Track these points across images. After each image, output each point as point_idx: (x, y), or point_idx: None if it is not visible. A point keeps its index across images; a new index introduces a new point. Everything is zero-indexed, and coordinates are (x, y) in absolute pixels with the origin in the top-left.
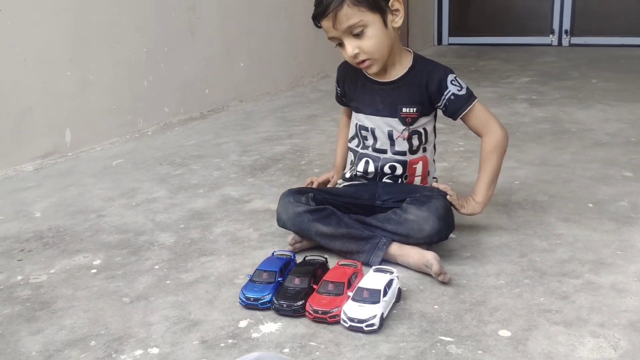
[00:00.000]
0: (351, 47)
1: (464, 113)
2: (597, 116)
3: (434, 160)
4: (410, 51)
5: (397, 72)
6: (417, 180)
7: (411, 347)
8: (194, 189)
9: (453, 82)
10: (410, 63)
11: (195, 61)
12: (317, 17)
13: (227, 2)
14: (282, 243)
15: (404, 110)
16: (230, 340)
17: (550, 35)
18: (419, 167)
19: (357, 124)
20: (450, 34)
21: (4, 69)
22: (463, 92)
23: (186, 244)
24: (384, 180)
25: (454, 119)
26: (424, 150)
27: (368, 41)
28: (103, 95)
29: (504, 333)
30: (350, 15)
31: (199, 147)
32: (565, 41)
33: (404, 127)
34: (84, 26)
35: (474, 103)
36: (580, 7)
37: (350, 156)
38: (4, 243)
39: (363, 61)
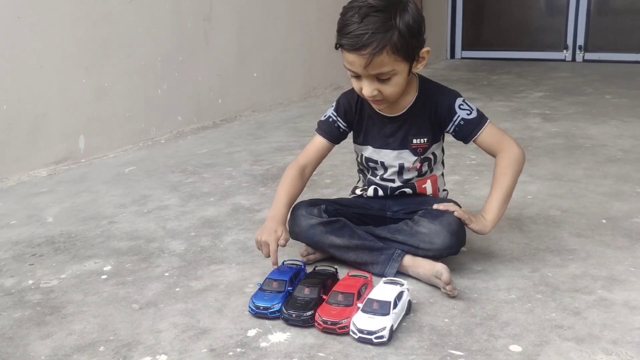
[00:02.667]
0: (371, 88)
1: (475, 137)
2: (610, 132)
3: (442, 175)
4: (415, 74)
5: (405, 102)
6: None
7: None
8: (205, 197)
9: (462, 106)
10: (417, 91)
11: (209, 71)
12: (346, 48)
13: (242, 13)
14: (292, 253)
15: (415, 141)
16: (238, 349)
17: (564, 51)
18: (428, 186)
19: (363, 156)
20: (464, 48)
21: (21, 75)
22: (473, 115)
23: (196, 251)
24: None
25: (466, 142)
26: (432, 170)
27: (391, 87)
28: (117, 102)
29: (515, 348)
30: (386, 62)
31: (211, 155)
32: (579, 57)
33: (415, 158)
34: (100, 34)
35: (485, 126)
36: (594, 23)
37: (361, 177)
38: (16, 247)
39: (377, 100)
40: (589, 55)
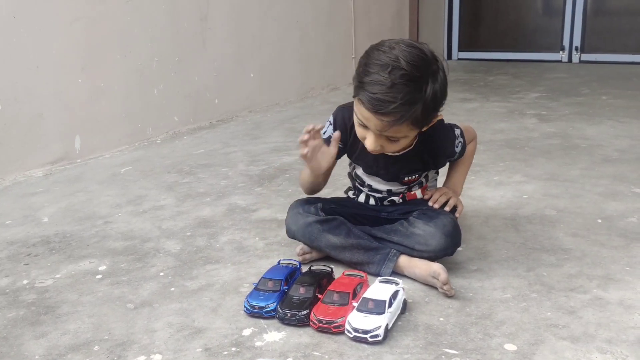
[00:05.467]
0: (376, 143)
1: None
2: (606, 132)
3: (435, 180)
4: None
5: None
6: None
7: (415, 359)
8: (201, 197)
9: (457, 146)
10: (416, 136)
11: (206, 71)
12: (368, 108)
13: (239, 13)
14: (288, 252)
15: (406, 178)
16: (233, 349)
17: (561, 52)
18: (417, 193)
19: (355, 172)
20: (460, 49)
21: (17, 75)
22: (462, 146)
23: (192, 251)
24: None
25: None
26: (421, 186)
27: (396, 147)
28: (113, 103)
29: (510, 347)
30: (402, 131)
31: (207, 156)
32: (575, 58)
33: (404, 187)
34: (96, 35)
35: (467, 144)
36: (591, 24)
37: (351, 182)
38: (11, 247)
39: (377, 151)
40: (586, 56)
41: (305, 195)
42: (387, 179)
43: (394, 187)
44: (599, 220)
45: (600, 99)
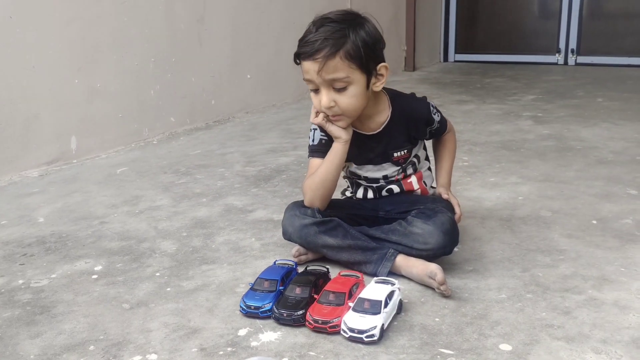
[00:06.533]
0: (328, 98)
1: (444, 134)
2: (601, 134)
3: (429, 169)
4: (384, 92)
5: (380, 120)
6: (417, 193)
7: (411, 359)
8: (198, 198)
9: (434, 113)
10: (389, 108)
11: (203, 72)
12: (302, 57)
13: (236, 14)
14: (284, 253)
15: (396, 154)
16: (229, 349)
17: (557, 54)
18: (413, 181)
19: (347, 168)
20: (457, 51)
21: (13, 76)
22: (439, 116)
23: (188, 252)
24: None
25: (435, 139)
26: (416, 170)
27: (347, 99)
28: (110, 103)
29: (505, 347)
30: (339, 68)
31: (204, 156)
32: (571, 60)
33: (398, 168)
34: (93, 35)
35: (447, 121)
36: (586, 27)
37: (347, 181)
38: (6, 247)
39: (337, 115)
40: (581, 59)
41: (300, 197)
42: (378, 162)
43: (389, 171)
44: (594, 222)
45: (595, 101)
